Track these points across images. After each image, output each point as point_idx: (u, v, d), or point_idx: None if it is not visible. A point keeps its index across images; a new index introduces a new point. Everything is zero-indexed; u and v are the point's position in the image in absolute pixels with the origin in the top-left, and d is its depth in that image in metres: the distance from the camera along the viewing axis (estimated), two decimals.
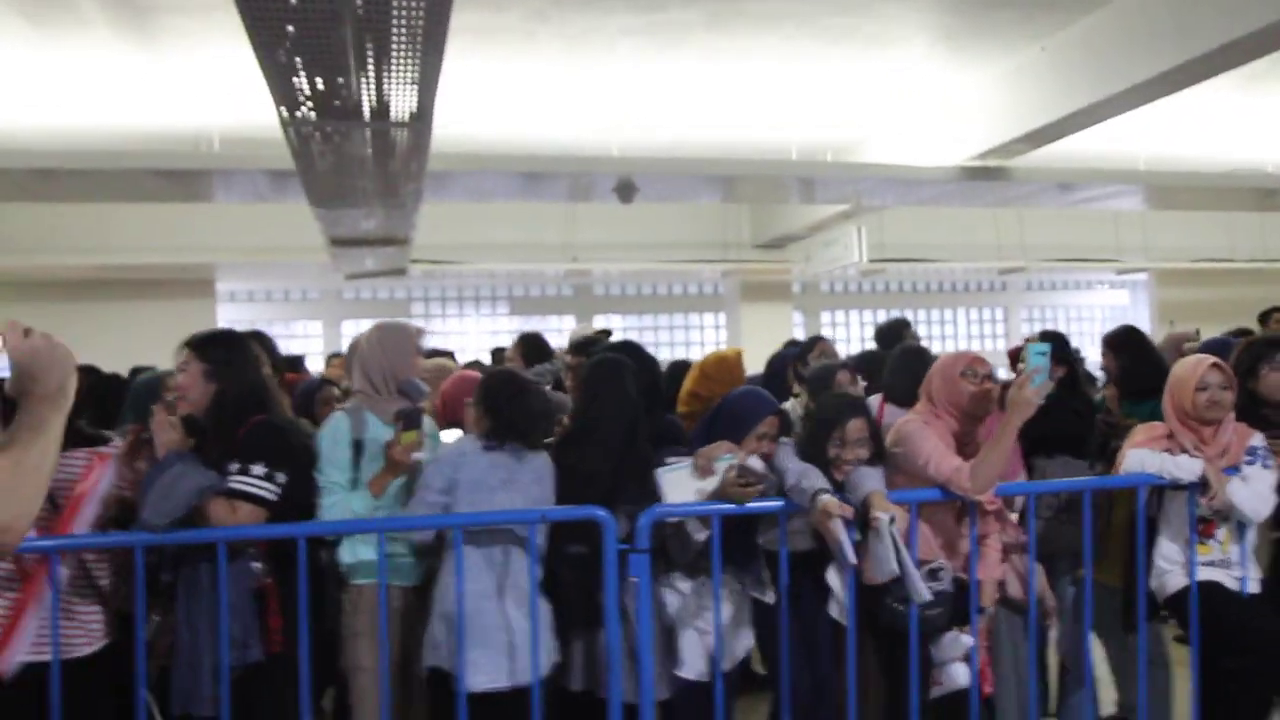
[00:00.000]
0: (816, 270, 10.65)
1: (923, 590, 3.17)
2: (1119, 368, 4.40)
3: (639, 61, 6.85)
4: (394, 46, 4.26)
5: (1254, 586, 3.71)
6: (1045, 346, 3.41)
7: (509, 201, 9.65)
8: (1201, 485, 3.57)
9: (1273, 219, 12.24)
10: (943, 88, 7.68)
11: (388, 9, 3.86)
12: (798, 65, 7.07)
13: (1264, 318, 7.82)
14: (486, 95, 7.50)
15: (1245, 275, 12.92)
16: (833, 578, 3.50)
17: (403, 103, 5.03)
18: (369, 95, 4.91)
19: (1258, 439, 3.70)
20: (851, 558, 3.17)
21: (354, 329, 13.41)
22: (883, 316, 14.04)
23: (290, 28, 4.04)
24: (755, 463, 3.33)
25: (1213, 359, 3.81)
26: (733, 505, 3.25)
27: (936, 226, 11.73)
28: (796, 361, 5.47)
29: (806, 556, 3.52)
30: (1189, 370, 3.78)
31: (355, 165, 6.13)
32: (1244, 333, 6.03)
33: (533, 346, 5.95)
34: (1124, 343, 4.55)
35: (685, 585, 3.52)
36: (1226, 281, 13.31)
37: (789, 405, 4.76)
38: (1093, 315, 15.87)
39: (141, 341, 8.90)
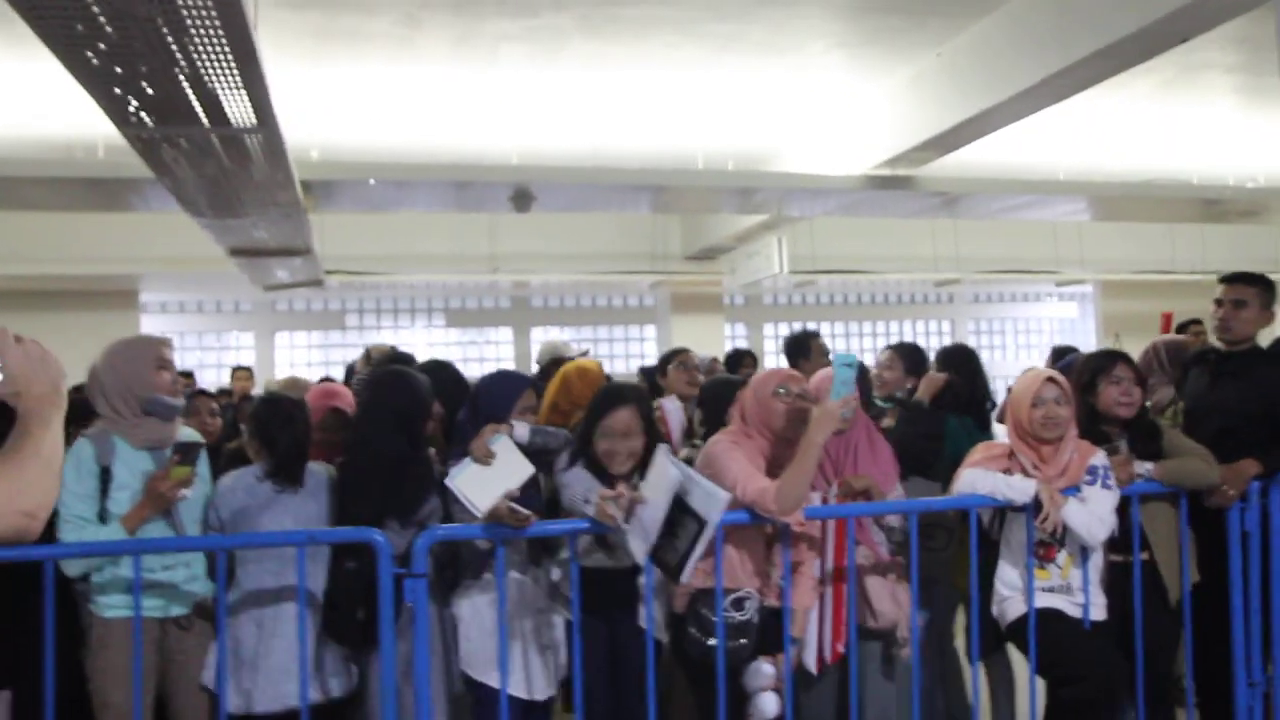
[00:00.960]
0: (742, 282, 10.45)
1: (639, 552, 3.00)
2: (946, 383, 4.22)
3: (523, 68, 6.66)
4: (199, 53, 4.06)
5: (1098, 613, 3.53)
6: (851, 358, 3.25)
7: (416, 211, 9.43)
8: (1035, 507, 3.38)
9: (1213, 230, 12.10)
10: (848, 95, 7.51)
11: (180, 18, 3.67)
12: (690, 73, 6.89)
13: (1182, 329, 7.68)
14: (370, 102, 7.30)
15: (1189, 287, 12.74)
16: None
17: (237, 108, 4.83)
18: (199, 101, 4.71)
19: (1099, 458, 3.52)
20: (639, 555, 3.02)
21: (288, 341, 13.20)
22: (826, 329, 13.92)
23: (79, 26, 3.84)
24: (521, 431, 3.32)
25: (1050, 373, 3.64)
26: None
27: (871, 238, 11.56)
28: (657, 373, 5.35)
29: (613, 576, 3.35)
30: (1025, 385, 3.61)
31: (217, 174, 5.91)
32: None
33: (385, 359, 5.72)
34: (953, 360, 4.53)
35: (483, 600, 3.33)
36: (1172, 293, 13.09)
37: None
38: (1040, 328, 15.71)
39: (63, 353, 8.64)
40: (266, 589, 3.27)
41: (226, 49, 4.05)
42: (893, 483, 3.56)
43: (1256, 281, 4.12)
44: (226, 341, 13.34)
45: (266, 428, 3.33)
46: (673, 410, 4.95)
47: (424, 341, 13.81)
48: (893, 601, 3.45)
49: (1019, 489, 3.42)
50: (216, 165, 5.77)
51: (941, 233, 11.41)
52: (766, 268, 9.47)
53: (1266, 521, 3.73)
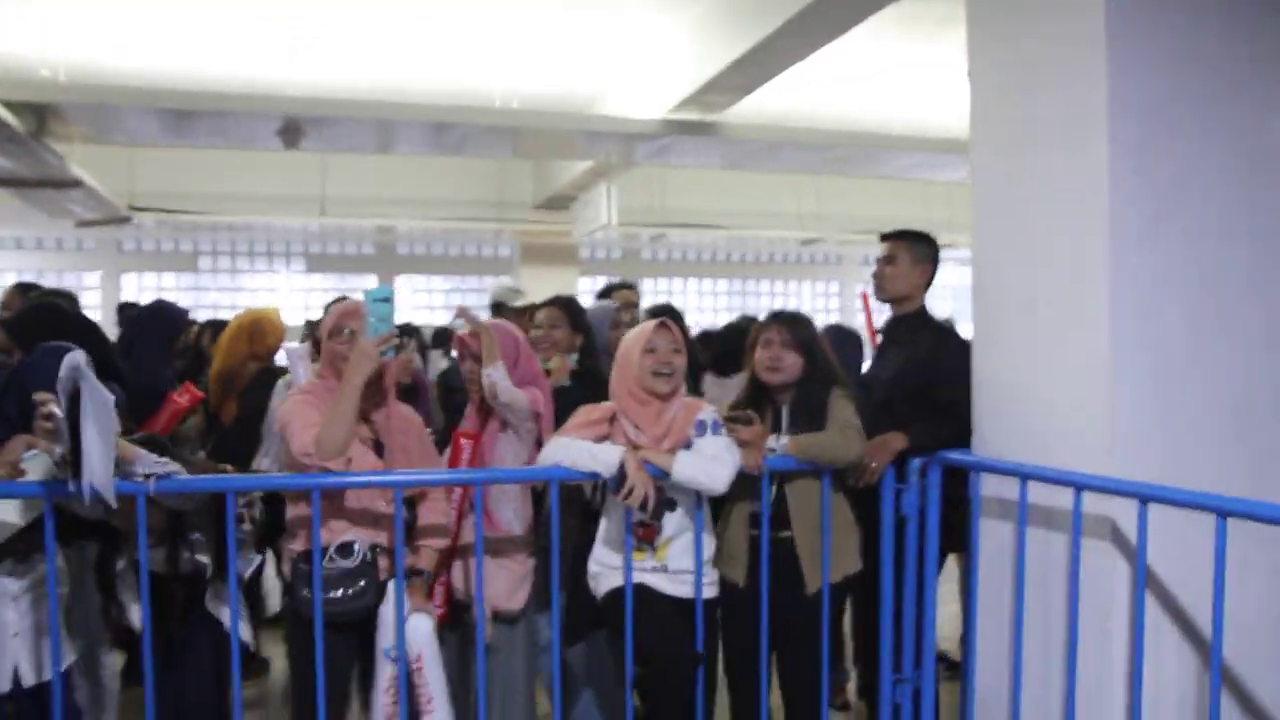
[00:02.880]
0: (580, 233, 9.88)
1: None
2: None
3: None
4: None
5: (710, 591, 3.08)
6: (387, 291, 2.80)
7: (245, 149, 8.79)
8: (619, 478, 2.86)
9: None
10: (654, 34, 6.89)
11: None
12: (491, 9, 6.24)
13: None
14: (133, 28, 6.61)
15: None
16: None
17: None
18: None
19: (705, 412, 3.02)
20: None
21: (135, 282, 12.56)
22: (701, 287, 13.40)
23: None
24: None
25: (661, 320, 3.11)
26: None
27: (737, 192, 11.00)
28: None
29: None
30: (636, 334, 3.10)
31: None
32: None
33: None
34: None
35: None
36: None
37: None
38: (941, 294, 15.23)
39: None
40: None
41: None
42: None
43: (906, 236, 3.68)
44: (66, 281, 12.62)
45: None
46: None
47: (284, 287, 13.20)
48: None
49: (602, 459, 2.89)
50: None
51: (804, 190, 10.86)
52: (595, 218, 8.90)
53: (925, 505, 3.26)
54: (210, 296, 12.79)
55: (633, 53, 7.08)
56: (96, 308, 12.24)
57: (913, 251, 3.63)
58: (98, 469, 2.30)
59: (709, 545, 3.11)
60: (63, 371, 2.36)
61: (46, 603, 2.71)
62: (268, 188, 10.34)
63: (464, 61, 7.34)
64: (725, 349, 4.95)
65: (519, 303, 5.29)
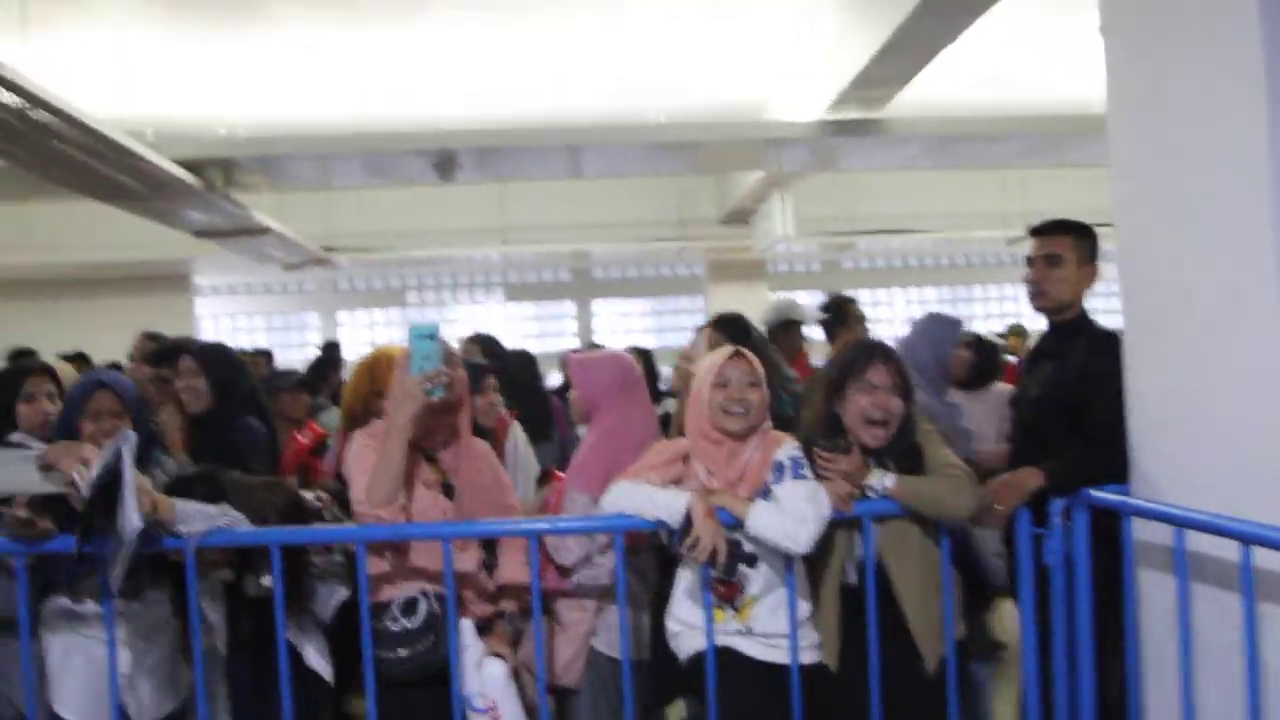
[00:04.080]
0: (759, 247, 9.47)
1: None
2: None
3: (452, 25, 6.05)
4: None
5: (810, 657, 2.67)
6: (431, 327, 2.61)
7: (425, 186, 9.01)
8: (685, 528, 2.53)
9: None
10: (803, 32, 6.46)
11: None
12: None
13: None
14: (283, 74, 6.87)
15: None
16: None
17: None
18: None
19: (786, 450, 2.61)
20: None
21: (349, 319, 13.23)
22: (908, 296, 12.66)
23: None
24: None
25: (734, 349, 2.74)
26: None
27: (935, 192, 10.25)
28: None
29: None
30: (707, 365, 2.75)
31: (52, 160, 5.62)
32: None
33: None
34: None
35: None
36: None
37: None
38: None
39: (118, 338, 8.75)
40: None
41: None
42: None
43: (1070, 229, 3.07)
44: (290, 322, 13.46)
45: None
46: None
47: (486, 316, 13.53)
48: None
49: (665, 505, 2.56)
50: (47, 150, 5.47)
51: (1011, 186, 9.99)
52: (772, 231, 8.48)
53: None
54: None
55: (783, 56, 6.67)
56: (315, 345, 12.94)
57: (1080, 249, 3.03)
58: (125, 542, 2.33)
59: (801, 606, 2.68)
60: (108, 454, 2.35)
61: (159, 644, 2.76)
62: (453, 220, 10.58)
63: (610, 82, 7.18)
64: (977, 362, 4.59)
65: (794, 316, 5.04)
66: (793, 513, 2.48)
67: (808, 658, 2.66)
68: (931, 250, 12.26)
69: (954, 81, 6.45)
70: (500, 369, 3.92)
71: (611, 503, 2.66)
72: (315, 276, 13.12)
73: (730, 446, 2.65)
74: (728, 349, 2.76)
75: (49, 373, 3.06)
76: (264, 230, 8.18)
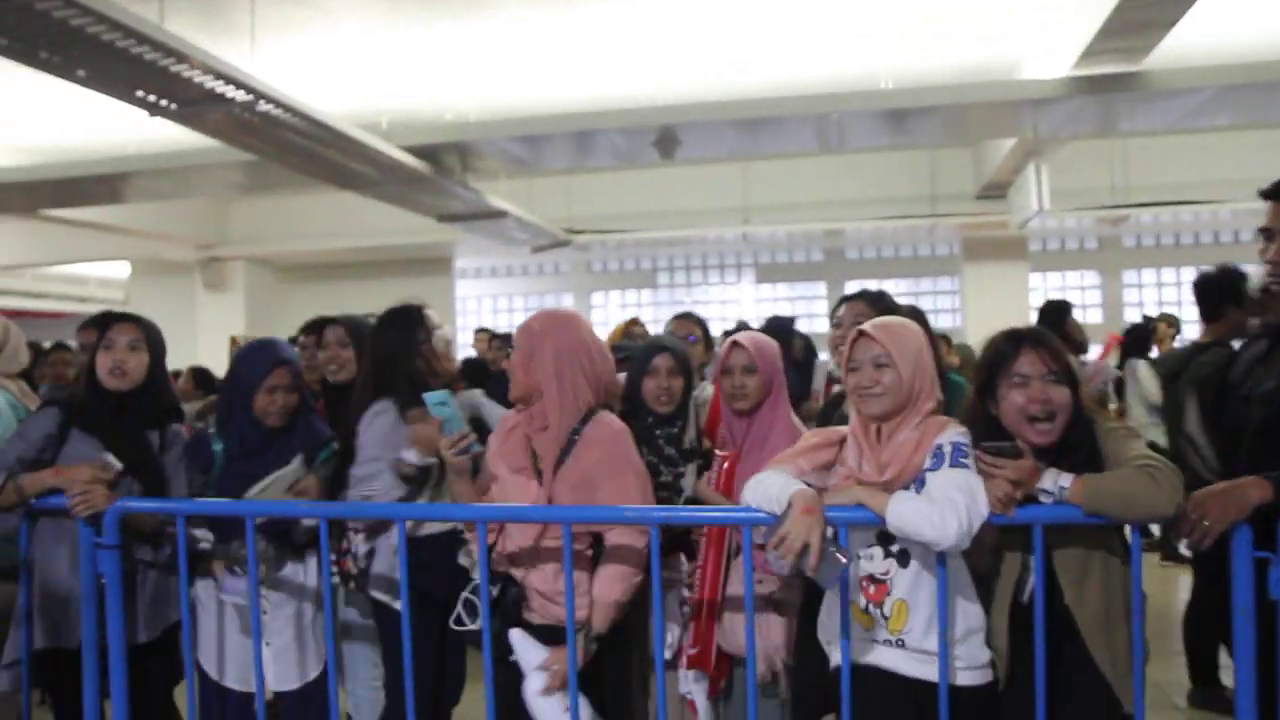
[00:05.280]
0: (1016, 222, 8.64)
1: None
2: None
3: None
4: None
5: (974, 677, 2.29)
6: (439, 396, 2.82)
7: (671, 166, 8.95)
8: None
9: None
10: None
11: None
12: None
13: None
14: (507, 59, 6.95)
15: None
16: None
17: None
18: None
19: (949, 434, 2.23)
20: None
21: (603, 300, 13.49)
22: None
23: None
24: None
25: (859, 330, 2.42)
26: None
27: (1215, 157, 8.96)
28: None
29: None
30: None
31: (284, 150, 5.97)
32: None
33: None
34: None
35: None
36: None
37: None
38: None
39: None
40: None
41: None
42: None
43: None
44: (545, 304, 13.86)
45: None
46: None
47: (738, 298, 13.39)
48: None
49: (776, 496, 2.27)
50: (279, 140, 5.81)
51: None
52: (1028, 204, 7.71)
53: None
54: (665, 311, 13.32)
55: (1028, 6, 5.95)
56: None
57: None
58: None
59: (968, 615, 2.29)
60: None
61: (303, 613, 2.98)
62: (695, 201, 10.45)
63: (846, 50, 6.73)
64: None
65: None
66: (941, 501, 2.10)
67: (971, 678, 2.27)
68: (1230, 223, 10.75)
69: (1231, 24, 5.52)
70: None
71: (748, 492, 2.38)
72: (569, 259, 13.45)
73: (881, 430, 2.31)
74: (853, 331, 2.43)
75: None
76: (501, 214, 8.38)
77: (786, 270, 13.16)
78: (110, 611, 2.78)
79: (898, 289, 12.60)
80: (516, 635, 2.51)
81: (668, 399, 2.96)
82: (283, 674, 2.94)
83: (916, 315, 2.97)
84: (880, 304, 3.10)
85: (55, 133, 8.49)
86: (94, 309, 14.95)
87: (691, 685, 2.84)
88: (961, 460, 2.17)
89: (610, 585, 2.51)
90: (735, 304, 13.18)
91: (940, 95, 6.26)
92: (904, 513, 2.14)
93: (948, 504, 2.09)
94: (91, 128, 8.17)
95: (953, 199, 9.92)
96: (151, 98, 4.93)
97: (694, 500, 2.92)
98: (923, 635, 2.27)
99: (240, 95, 4.96)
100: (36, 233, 12.11)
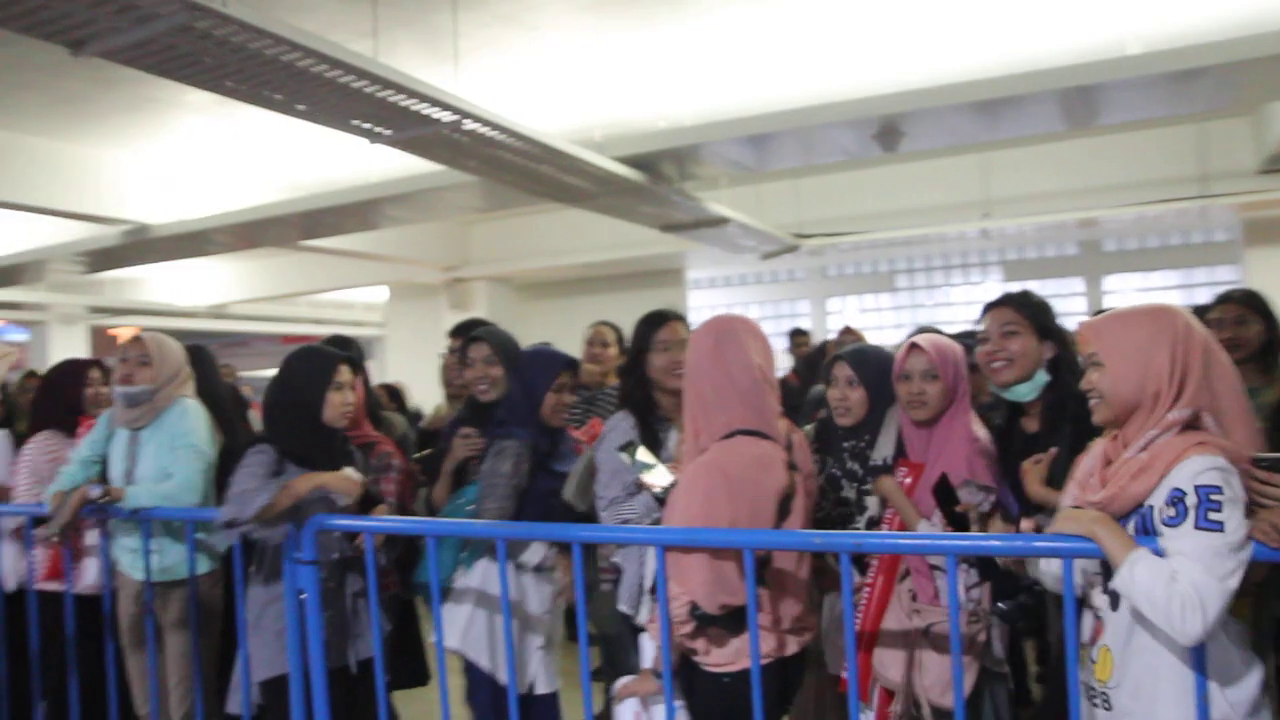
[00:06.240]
0: None
1: None
2: None
3: None
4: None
5: None
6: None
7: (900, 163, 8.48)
8: None
9: None
10: None
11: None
12: None
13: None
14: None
15: None
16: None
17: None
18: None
19: (1197, 466, 1.78)
20: None
21: (839, 306, 13.12)
22: None
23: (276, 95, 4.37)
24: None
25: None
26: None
27: None
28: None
29: None
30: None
31: (499, 168, 6.06)
32: None
33: None
34: None
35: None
36: None
37: None
38: None
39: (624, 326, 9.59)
40: None
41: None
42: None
43: None
44: (781, 310, 13.58)
45: None
46: None
47: (984, 297, 12.56)
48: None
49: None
50: (495, 160, 5.91)
51: None
52: None
53: None
54: (906, 316, 12.72)
55: None
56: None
57: None
58: None
59: (1218, 701, 1.85)
60: None
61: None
62: (929, 197, 9.89)
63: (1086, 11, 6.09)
64: None
65: None
66: (1183, 591, 1.69)
67: None
68: None
69: None
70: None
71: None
72: (803, 265, 13.10)
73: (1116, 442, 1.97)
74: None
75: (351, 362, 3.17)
76: (723, 221, 8.22)
77: (1036, 266, 12.21)
78: (310, 629, 2.81)
79: (1166, 281, 11.43)
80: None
81: (843, 410, 2.73)
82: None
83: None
84: (1027, 306, 2.71)
85: (315, 169, 9.13)
86: (365, 333, 16.13)
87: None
88: (1211, 519, 1.73)
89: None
90: (976, 305, 12.39)
91: (1209, 54, 5.47)
92: (1137, 584, 1.75)
93: (1191, 598, 1.68)
94: (342, 162, 8.73)
95: (1228, 177, 8.83)
96: (366, 125, 5.12)
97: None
98: (1132, 698, 1.88)
99: (446, 116, 5.06)
100: (307, 263, 13.14)
